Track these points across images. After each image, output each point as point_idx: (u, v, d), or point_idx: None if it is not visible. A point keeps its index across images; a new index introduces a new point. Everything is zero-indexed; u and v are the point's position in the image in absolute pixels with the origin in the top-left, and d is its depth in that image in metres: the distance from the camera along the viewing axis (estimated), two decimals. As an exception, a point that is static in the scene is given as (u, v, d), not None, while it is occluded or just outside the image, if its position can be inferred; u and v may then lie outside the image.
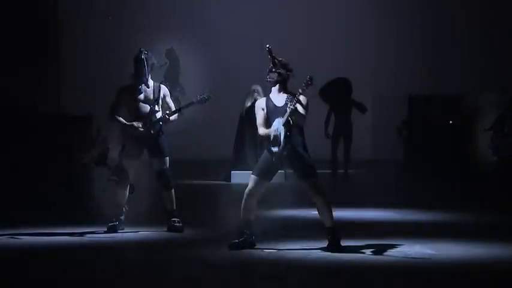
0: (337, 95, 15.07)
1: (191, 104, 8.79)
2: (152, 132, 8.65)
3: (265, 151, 7.55)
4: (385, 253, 7.33)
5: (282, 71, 7.57)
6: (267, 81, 7.65)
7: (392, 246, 7.64)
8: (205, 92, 8.97)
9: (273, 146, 7.42)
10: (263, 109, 7.61)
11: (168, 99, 8.83)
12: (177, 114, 8.75)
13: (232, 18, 21.54)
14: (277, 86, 7.61)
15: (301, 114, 7.38)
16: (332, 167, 15.03)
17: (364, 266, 6.86)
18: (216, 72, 20.95)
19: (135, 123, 8.63)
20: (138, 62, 8.66)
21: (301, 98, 7.46)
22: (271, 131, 7.44)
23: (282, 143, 7.36)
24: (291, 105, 7.33)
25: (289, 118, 7.34)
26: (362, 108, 15.20)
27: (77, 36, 20.19)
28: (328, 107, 15.03)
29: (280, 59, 7.63)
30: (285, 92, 7.58)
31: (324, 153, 14.01)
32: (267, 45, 7.64)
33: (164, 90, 8.82)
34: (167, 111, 8.74)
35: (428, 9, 21.40)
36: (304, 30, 21.44)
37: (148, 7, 21.66)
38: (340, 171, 15.17)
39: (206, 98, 8.81)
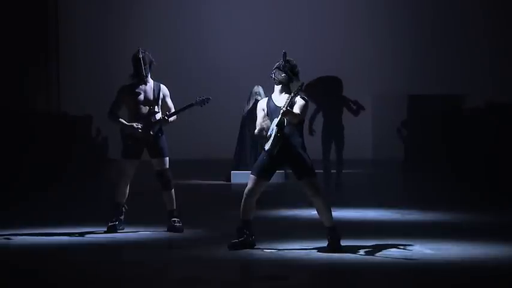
0: (326, 94, 13.45)
1: (191, 105, 8.78)
2: (152, 133, 8.65)
3: (263, 151, 7.58)
4: (385, 253, 7.33)
5: (289, 73, 7.55)
6: (271, 77, 7.63)
7: (393, 246, 7.64)
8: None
9: (266, 145, 7.46)
10: (263, 109, 7.63)
11: (168, 100, 8.82)
12: (176, 116, 8.74)
13: (233, 18, 21.55)
14: (280, 86, 7.62)
15: (295, 113, 7.38)
16: (324, 171, 13.36)
17: (364, 266, 6.87)
18: (216, 72, 20.96)
19: (134, 125, 8.62)
20: (137, 61, 8.64)
21: (298, 99, 7.47)
22: (262, 132, 7.48)
23: (271, 143, 7.38)
24: (283, 106, 7.33)
25: (283, 119, 7.35)
26: (356, 110, 13.54)
27: (76, 36, 20.20)
28: (315, 106, 13.31)
29: (291, 59, 7.59)
30: (287, 93, 7.57)
31: (317, 154, 13.57)
32: (284, 50, 7.63)
33: (164, 90, 8.80)
34: (167, 112, 8.73)
35: (428, 9, 21.41)
36: (304, 30, 21.45)
37: (149, 7, 21.67)
38: (333, 170, 13.66)
39: (205, 100, 8.80)
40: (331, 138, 13.47)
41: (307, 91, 13.24)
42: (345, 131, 13.56)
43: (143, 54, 8.64)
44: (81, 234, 8.53)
